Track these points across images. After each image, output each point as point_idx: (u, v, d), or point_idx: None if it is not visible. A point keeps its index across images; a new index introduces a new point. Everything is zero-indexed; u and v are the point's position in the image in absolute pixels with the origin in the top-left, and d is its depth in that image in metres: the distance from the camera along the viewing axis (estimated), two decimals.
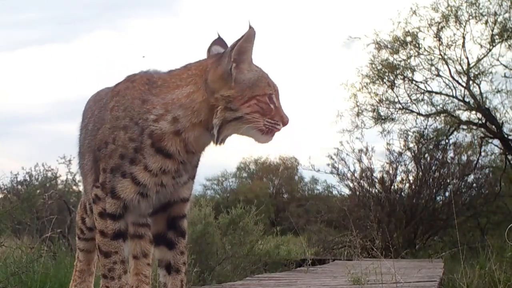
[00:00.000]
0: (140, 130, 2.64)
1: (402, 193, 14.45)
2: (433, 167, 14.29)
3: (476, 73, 14.34)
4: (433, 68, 14.52)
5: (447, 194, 14.37)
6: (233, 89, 2.59)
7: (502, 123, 14.50)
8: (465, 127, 15.05)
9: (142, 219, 3.21)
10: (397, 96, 14.89)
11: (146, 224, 3.25)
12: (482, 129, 14.79)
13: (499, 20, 13.90)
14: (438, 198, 14.37)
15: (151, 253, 3.37)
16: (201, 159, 2.90)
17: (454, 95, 14.57)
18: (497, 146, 15.19)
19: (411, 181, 14.38)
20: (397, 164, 14.39)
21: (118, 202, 2.69)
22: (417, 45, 14.44)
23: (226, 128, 2.59)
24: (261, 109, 2.59)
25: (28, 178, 11.45)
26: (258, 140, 2.67)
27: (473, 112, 14.65)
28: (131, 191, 2.67)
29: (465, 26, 14.13)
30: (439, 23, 14.21)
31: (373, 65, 14.73)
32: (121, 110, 2.70)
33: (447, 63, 14.36)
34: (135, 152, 2.64)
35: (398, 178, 14.47)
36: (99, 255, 2.78)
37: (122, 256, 2.74)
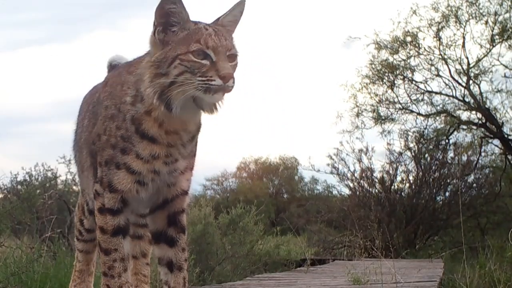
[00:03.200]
0: (123, 116, 2.64)
1: (402, 193, 14.45)
2: (433, 167, 14.30)
3: (476, 73, 14.35)
4: (433, 68, 14.54)
5: (447, 194, 14.37)
6: (157, 53, 2.55)
7: (502, 123, 14.51)
8: (465, 127, 15.06)
9: (141, 220, 3.18)
10: (397, 96, 14.90)
11: (145, 225, 3.20)
12: (482, 129, 14.80)
13: (499, 20, 13.91)
14: (438, 198, 14.37)
15: (150, 253, 3.36)
16: (202, 148, 2.86)
17: (454, 95, 14.58)
18: (497, 146, 15.21)
19: (411, 181, 14.38)
20: (397, 164, 14.41)
21: (116, 195, 2.67)
22: (417, 45, 14.45)
23: (172, 95, 2.49)
24: (188, 68, 2.48)
25: (28, 178, 11.44)
26: (207, 101, 2.52)
27: (473, 112, 14.65)
28: (128, 181, 2.64)
29: (465, 26, 14.15)
30: (439, 23, 14.22)
31: (373, 65, 14.74)
32: (109, 99, 2.71)
33: (447, 63, 14.37)
34: (124, 141, 2.62)
35: (398, 178, 14.49)
36: (99, 252, 2.76)
37: (122, 254, 2.70)
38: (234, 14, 2.69)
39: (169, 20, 2.55)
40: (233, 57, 2.60)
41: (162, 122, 2.59)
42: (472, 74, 14.27)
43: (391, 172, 14.38)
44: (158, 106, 2.53)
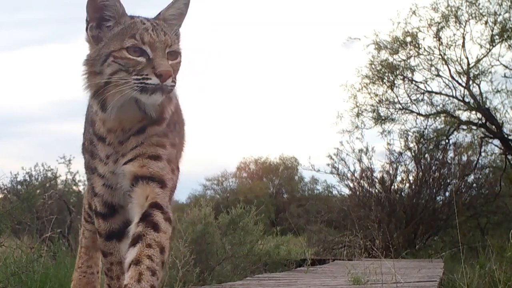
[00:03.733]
0: (89, 119, 2.59)
1: (402, 193, 14.45)
2: (433, 167, 14.30)
3: (476, 73, 14.35)
4: (433, 68, 14.54)
5: (447, 194, 14.37)
6: (91, 50, 2.41)
7: (502, 123, 14.50)
8: (465, 127, 15.06)
9: None
10: (397, 96, 14.90)
11: None
12: (482, 129, 14.79)
13: (499, 20, 13.91)
14: (438, 198, 14.37)
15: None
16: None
17: (454, 95, 14.58)
18: (497, 146, 15.21)
19: (411, 181, 14.38)
20: (397, 164, 14.40)
21: (98, 199, 2.62)
22: (416, 45, 14.44)
23: (107, 96, 2.33)
24: (122, 66, 2.30)
25: (28, 178, 11.45)
26: (145, 102, 2.35)
27: (473, 112, 14.65)
28: (99, 185, 2.58)
29: (465, 26, 14.16)
30: (439, 23, 14.22)
31: (373, 66, 14.74)
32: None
33: (447, 63, 14.37)
34: (90, 144, 2.58)
35: (398, 178, 14.49)
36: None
37: (118, 258, 2.63)
38: (178, 7, 2.50)
39: (103, 14, 2.38)
40: (174, 54, 2.41)
41: (105, 121, 2.47)
42: (472, 74, 14.27)
43: (391, 172, 14.39)
44: (94, 106, 2.41)
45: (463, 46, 14.19)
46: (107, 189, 2.58)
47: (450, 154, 14.63)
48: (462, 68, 14.31)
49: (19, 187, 11.37)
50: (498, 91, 14.47)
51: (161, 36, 2.35)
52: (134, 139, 2.47)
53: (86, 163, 2.70)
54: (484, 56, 14.23)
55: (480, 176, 14.84)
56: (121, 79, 2.30)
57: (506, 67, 14.33)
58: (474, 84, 14.40)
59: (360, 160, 14.31)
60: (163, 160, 2.48)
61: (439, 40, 14.33)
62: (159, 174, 2.45)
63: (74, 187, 11.80)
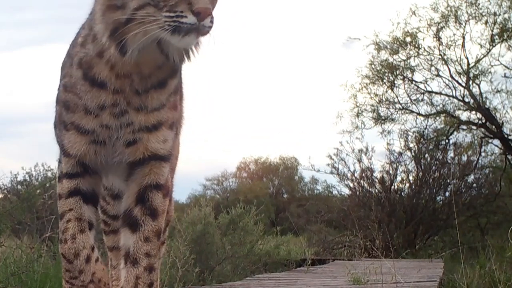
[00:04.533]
0: (70, 61, 2.19)
1: (402, 193, 14.46)
2: (433, 167, 14.30)
3: (476, 73, 14.35)
4: (433, 68, 14.55)
5: (447, 194, 14.37)
6: None
7: (502, 123, 14.51)
8: (465, 127, 15.06)
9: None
10: (397, 97, 14.91)
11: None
12: (482, 129, 14.80)
13: (498, 20, 13.92)
14: (438, 198, 14.38)
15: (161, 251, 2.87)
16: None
17: (454, 95, 14.59)
18: (497, 146, 15.22)
19: (411, 181, 14.39)
20: (397, 164, 14.41)
21: (70, 159, 2.23)
22: (416, 45, 14.45)
23: (128, 36, 1.97)
24: (143, 2, 1.93)
25: (28, 178, 11.45)
26: (175, 45, 1.99)
27: (473, 112, 14.66)
28: (79, 143, 2.19)
29: (464, 26, 14.16)
30: (439, 23, 14.22)
31: (373, 66, 14.75)
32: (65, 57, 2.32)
33: (447, 63, 14.37)
34: (69, 92, 2.16)
35: (398, 178, 14.50)
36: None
37: (79, 214, 2.24)
38: None
39: None
40: None
41: (114, 65, 2.08)
42: (472, 74, 14.28)
43: (391, 172, 14.40)
44: (108, 47, 2.02)
45: (463, 46, 14.21)
46: (92, 147, 2.19)
47: (450, 154, 14.66)
48: (462, 68, 14.32)
49: (19, 187, 11.37)
50: (498, 91, 14.49)
51: None
52: (155, 94, 2.14)
53: (57, 117, 2.28)
54: (484, 56, 14.25)
55: (480, 176, 14.86)
56: (149, 15, 1.91)
57: (506, 67, 14.35)
58: (474, 84, 14.41)
59: (360, 160, 14.33)
60: (173, 128, 2.25)
61: (439, 40, 14.33)
62: (167, 149, 2.23)
63: None
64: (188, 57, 2.09)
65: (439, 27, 14.24)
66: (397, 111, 14.95)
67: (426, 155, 14.46)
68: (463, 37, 14.16)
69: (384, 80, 14.75)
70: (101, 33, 2.02)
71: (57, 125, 2.31)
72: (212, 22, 1.95)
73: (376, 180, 14.39)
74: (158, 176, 2.23)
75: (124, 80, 2.10)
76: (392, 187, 14.34)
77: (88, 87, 2.11)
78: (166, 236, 2.92)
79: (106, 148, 2.20)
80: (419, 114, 14.89)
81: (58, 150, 2.35)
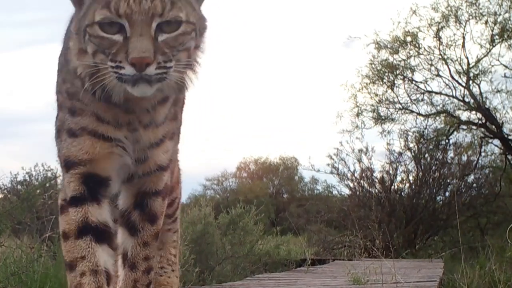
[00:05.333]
0: (68, 66, 2.00)
1: (402, 193, 14.46)
2: (433, 167, 14.30)
3: (476, 73, 14.35)
4: (433, 68, 14.55)
5: (447, 194, 14.38)
6: (76, 16, 1.91)
7: (502, 123, 14.51)
8: (465, 127, 15.07)
9: None
10: (397, 96, 14.91)
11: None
12: (482, 129, 14.80)
13: (499, 20, 13.92)
14: (438, 198, 14.38)
15: (171, 245, 2.85)
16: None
17: (454, 95, 14.59)
18: (497, 146, 15.22)
19: (411, 181, 14.39)
20: (397, 164, 14.42)
21: (75, 174, 2.02)
22: (417, 45, 14.45)
23: (104, 81, 1.84)
24: (97, 47, 1.81)
25: (28, 178, 11.45)
26: (134, 93, 1.83)
27: (473, 112, 14.66)
28: (94, 147, 2.00)
29: (465, 26, 14.16)
30: (439, 23, 14.22)
31: (373, 65, 14.75)
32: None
33: (447, 63, 14.38)
34: (70, 99, 2.01)
35: (398, 178, 14.50)
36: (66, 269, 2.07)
37: (93, 264, 1.99)
38: None
39: None
40: (171, 25, 1.82)
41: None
42: (472, 74, 14.28)
43: (391, 172, 14.40)
44: (92, 91, 1.89)
45: (463, 46, 14.21)
46: (107, 153, 2.01)
47: (450, 154, 14.66)
48: (462, 68, 14.32)
49: (19, 187, 11.37)
50: (498, 91, 14.49)
51: (144, 3, 1.76)
52: (161, 108, 2.04)
53: (59, 125, 2.09)
54: (484, 56, 14.25)
55: (480, 176, 14.85)
56: (102, 62, 1.82)
57: (506, 67, 14.35)
58: (474, 84, 14.41)
59: (360, 160, 14.33)
60: (174, 137, 2.20)
61: (439, 40, 14.33)
62: (168, 159, 2.17)
63: None
64: (181, 89, 1.97)
65: (440, 26, 14.24)
66: (397, 111, 14.96)
67: (426, 155, 14.46)
68: (463, 37, 14.17)
69: (384, 80, 14.75)
70: (82, 75, 1.90)
71: (59, 134, 2.07)
72: (166, 66, 1.79)
73: (376, 180, 14.39)
74: (157, 184, 2.18)
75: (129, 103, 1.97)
76: (392, 187, 14.34)
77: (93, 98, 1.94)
78: (178, 226, 2.86)
79: (122, 160, 2.07)
80: (419, 114, 14.90)
81: (60, 170, 2.10)
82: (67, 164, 2.03)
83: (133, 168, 2.10)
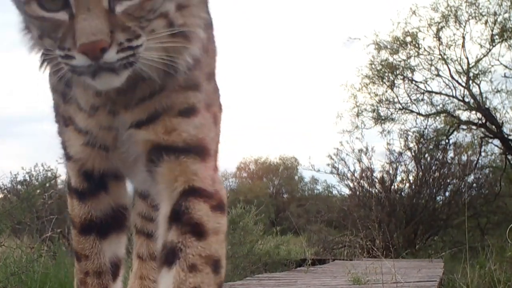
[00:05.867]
0: None
1: (402, 193, 14.46)
2: (433, 167, 14.31)
3: (476, 73, 14.36)
4: (433, 68, 14.57)
5: (447, 194, 14.39)
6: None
7: (502, 123, 14.52)
8: (465, 127, 15.08)
9: (154, 213, 2.11)
10: (397, 96, 14.93)
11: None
12: (482, 129, 14.81)
13: (499, 20, 13.93)
14: (438, 198, 14.39)
15: None
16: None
17: (454, 95, 14.61)
18: (497, 146, 15.23)
19: (411, 181, 14.40)
20: (397, 164, 14.43)
21: (73, 165, 1.76)
22: (416, 45, 14.46)
23: (54, 66, 1.50)
24: (40, 30, 1.45)
25: (28, 178, 11.46)
26: (97, 87, 1.47)
27: (473, 112, 14.67)
28: (76, 144, 1.70)
29: (465, 26, 14.18)
30: (439, 23, 14.24)
31: (373, 66, 14.77)
32: None
33: (447, 63, 14.39)
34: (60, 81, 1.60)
35: (398, 178, 14.52)
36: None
37: (97, 265, 1.79)
38: None
39: None
40: None
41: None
42: (472, 74, 14.29)
43: (391, 172, 14.41)
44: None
45: (463, 46, 14.22)
46: (92, 151, 1.68)
47: (450, 154, 14.67)
48: (462, 68, 14.33)
49: (19, 187, 11.38)
50: (498, 91, 14.51)
51: None
52: (145, 85, 1.57)
53: (55, 107, 1.84)
54: (484, 56, 14.27)
55: (480, 176, 14.86)
56: (47, 48, 1.47)
57: (506, 67, 14.36)
58: (474, 84, 14.43)
59: (360, 160, 14.34)
60: (200, 111, 1.61)
61: (439, 40, 14.35)
62: (196, 138, 1.59)
63: None
64: (175, 69, 1.52)
65: (439, 27, 14.26)
66: (397, 111, 14.98)
67: (426, 155, 14.47)
68: (463, 37, 14.19)
69: (384, 80, 14.76)
70: (40, 60, 1.59)
71: (56, 116, 1.83)
72: (125, 49, 1.37)
73: (376, 180, 14.40)
74: (192, 175, 1.66)
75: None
76: (392, 187, 14.35)
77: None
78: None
79: (112, 153, 1.76)
80: (419, 114, 14.91)
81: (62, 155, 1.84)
82: (66, 155, 1.79)
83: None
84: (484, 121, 14.54)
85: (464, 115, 14.94)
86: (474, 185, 14.68)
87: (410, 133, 14.89)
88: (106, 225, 1.82)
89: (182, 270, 1.51)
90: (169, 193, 1.61)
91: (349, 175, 14.51)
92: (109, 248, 1.84)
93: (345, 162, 14.46)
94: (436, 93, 14.76)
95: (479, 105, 14.28)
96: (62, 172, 12.62)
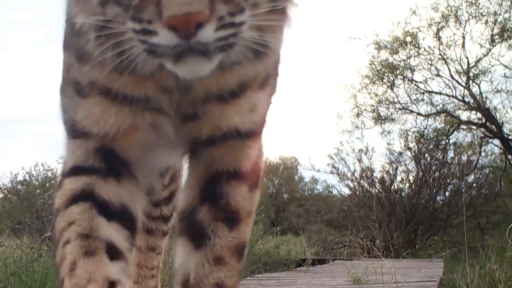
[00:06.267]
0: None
1: (402, 193, 14.46)
2: (433, 167, 14.30)
3: (476, 73, 14.37)
4: (433, 68, 14.57)
5: (447, 194, 14.39)
6: None
7: (502, 123, 14.52)
8: (465, 127, 15.08)
9: (154, 210, 2.20)
10: (397, 96, 14.93)
11: (159, 217, 2.29)
12: (482, 129, 14.81)
13: (499, 20, 13.93)
14: (438, 198, 14.39)
15: (163, 245, 2.43)
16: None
17: (454, 95, 14.61)
18: (497, 146, 15.23)
19: (411, 181, 14.39)
20: (397, 164, 14.42)
21: (88, 143, 1.40)
22: (416, 45, 14.46)
23: (110, 45, 1.23)
24: None
25: (28, 178, 11.47)
26: (180, 74, 1.19)
27: (473, 112, 14.67)
28: (107, 115, 1.34)
29: (465, 26, 14.18)
30: (439, 23, 14.24)
31: (373, 66, 14.77)
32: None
33: (447, 63, 14.39)
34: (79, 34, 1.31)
35: (398, 178, 14.50)
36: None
37: (84, 228, 1.37)
38: None
39: None
40: None
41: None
42: (472, 74, 14.29)
43: (391, 172, 14.40)
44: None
45: (463, 46, 14.22)
46: (130, 123, 1.35)
47: (450, 154, 14.66)
48: (462, 68, 14.33)
49: (19, 187, 11.39)
50: (498, 91, 14.51)
51: None
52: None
53: (65, 70, 1.46)
54: (484, 56, 14.27)
55: (480, 176, 14.86)
56: (118, 21, 1.15)
57: (506, 67, 14.36)
58: (474, 84, 14.43)
59: (360, 160, 14.33)
60: (264, 88, 1.41)
61: (439, 40, 14.35)
62: (255, 122, 1.42)
63: None
64: (260, 54, 1.30)
65: (439, 26, 14.26)
66: (397, 111, 14.98)
67: (426, 155, 14.46)
68: (463, 37, 14.19)
69: (384, 80, 14.77)
70: (85, 33, 1.27)
71: (64, 87, 1.47)
72: (227, 26, 1.09)
73: (376, 180, 14.39)
74: (236, 158, 1.49)
75: None
76: (392, 187, 14.34)
77: None
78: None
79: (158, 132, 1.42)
80: (419, 114, 14.91)
81: (64, 137, 1.48)
82: (73, 132, 1.41)
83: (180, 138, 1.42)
84: (484, 121, 14.54)
85: (464, 115, 14.97)
86: (474, 185, 14.68)
87: (410, 133, 14.90)
88: (109, 208, 1.42)
89: (207, 262, 1.40)
90: (207, 172, 1.43)
91: (349, 175, 14.52)
92: (107, 228, 1.40)
93: (345, 162, 14.46)
94: (436, 93, 14.77)
95: (479, 105, 14.28)
96: None
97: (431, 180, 14.18)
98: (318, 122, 36.75)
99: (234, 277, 1.43)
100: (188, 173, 1.51)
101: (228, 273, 1.41)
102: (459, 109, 14.86)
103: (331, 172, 14.63)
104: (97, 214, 1.39)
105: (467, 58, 14.30)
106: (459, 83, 14.50)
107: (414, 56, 14.55)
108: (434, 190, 14.20)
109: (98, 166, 1.41)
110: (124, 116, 1.34)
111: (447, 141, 14.79)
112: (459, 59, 14.31)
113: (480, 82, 14.46)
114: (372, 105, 14.96)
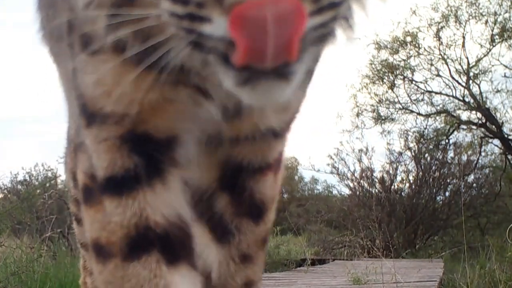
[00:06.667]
0: None
1: (402, 193, 14.46)
2: (433, 167, 14.30)
3: (476, 73, 14.37)
4: (433, 68, 14.57)
5: (447, 194, 14.39)
6: None
7: (502, 123, 14.52)
8: (465, 127, 15.08)
9: None
10: (397, 96, 14.93)
11: None
12: (482, 129, 14.81)
13: (499, 20, 13.93)
14: (438, 198, 14.39)
15: None
16: None
17: (454, 95, 14.61)
18: (497, 146, 15.23)
19: (411, 181, 14.39)
20: (397, 164, 14.42)
21: (110, 130, 1.07)
22: (417, 45, 14.46)
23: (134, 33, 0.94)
24: None
25: (28, 178, 11.47)
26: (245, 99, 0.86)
27: (473, 112, 14.68)
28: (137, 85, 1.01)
29: (465, 26, 14.18)
30: (439, 23, 14.24)
31: (373, 65, 14.77)
32: None
33: (447, 63, 14.39)
34: None
35: (398, 178, 14.50)
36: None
37: None
38: None
39: None
40: None
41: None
42: (472, 74, 14.29)
43: (391, 172, 14.40)
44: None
45: (463, 46, 14.22)
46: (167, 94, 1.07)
47: (450, 154, 14.67)
48: (462, 68, 14.34)
49: (19, 187, 11.39)
50: (498, 91, 14.51)
51: None
52: None
53: (67, 27, 1.17)
54: (484, 56, 14.27)
55: (480, 176, 14.86)
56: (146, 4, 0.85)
57: (506, 67, 14.36)
58: (474, 84, 14.43)
59: (360, 160, 14.33)
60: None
61: (439, 40, 14.35)
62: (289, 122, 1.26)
63: None
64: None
65: (439, 26, 14.26)
66: (397, 111, 14.99)
67: (426, 155, 14.46)
68: (463, 37, 14.19)
69: (384, 80, 14.77)
70: (90, 14, 0.99)
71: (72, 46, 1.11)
72: (323, 10, 0.80)
73: (376, 180, 14.39)
74: (264, 154, 1.33)
75: None
76: (392, 187, 14.34)
77: None
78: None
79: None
80: (419, 114, 14.92)
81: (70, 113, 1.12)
82: (91, 114, 1.06)
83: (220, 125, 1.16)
84: (484, 121, 14.54)
85: (464, 115, 14.97)
86: (474, 185, 14.69)
87: (410, 133, 14.90)
88: (172, 242, 1.07)
89: (233, 261, 1.22)
90: (227, 161, 1.22)
91: (349, 175, 14.51)
92: (181, 280, 1.08)
93: (345, 162, 14.46)
94: (436, 93, 14.78)
95: (479, 105, 14.28)
96: (62, 172, 12.62)
97: (431, 180, 14.18)
98: (318, 122, 36.74)
99: (261, 269, 1.32)
100: (203, 155, 1.22)
101: (256, 267, 1.28)
102: (459, 109, 14.88)
103: (331, 172, 14.64)
104: (166, 269, 1.03)
105: (467, 58, 14.32)
106: (459, 83, 14.52)
107: (414, 56, 14.56)
108: (434, 190, 14.20)
109: (133, 169, 1.05)
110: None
111: (447, 141, 14.80)
112: (459, 59, 14.33)
113: (480, 82, 14.49)
114: (372, 105, 14.98)
